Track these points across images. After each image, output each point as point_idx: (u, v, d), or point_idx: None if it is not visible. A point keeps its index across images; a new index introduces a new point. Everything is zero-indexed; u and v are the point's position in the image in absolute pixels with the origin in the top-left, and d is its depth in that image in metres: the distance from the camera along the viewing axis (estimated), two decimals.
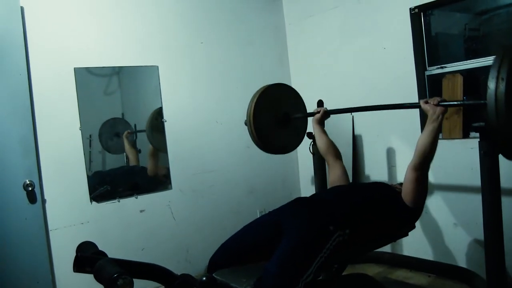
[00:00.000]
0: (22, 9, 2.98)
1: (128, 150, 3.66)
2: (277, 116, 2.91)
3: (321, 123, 2.95)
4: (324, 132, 2.94)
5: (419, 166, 2.21)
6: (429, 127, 2.21)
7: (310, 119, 3.08)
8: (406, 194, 2.28)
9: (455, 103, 2.45)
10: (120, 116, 3.60)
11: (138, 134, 3.66)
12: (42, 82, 3.14)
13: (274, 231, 2.21)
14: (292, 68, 4.60)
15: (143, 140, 3.70)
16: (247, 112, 2.82)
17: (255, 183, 4.29)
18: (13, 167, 2.86)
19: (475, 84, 3.27)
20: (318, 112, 2.93)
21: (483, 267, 2.54)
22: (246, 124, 2.84)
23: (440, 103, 2.22)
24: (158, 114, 3.73)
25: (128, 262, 1.60)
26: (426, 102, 2.27)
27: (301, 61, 4.51)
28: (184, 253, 3.78)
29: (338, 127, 4.03)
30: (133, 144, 3.67)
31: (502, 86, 1.88)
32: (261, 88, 2.84)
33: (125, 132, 3.62)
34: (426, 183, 2.30)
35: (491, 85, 1.93)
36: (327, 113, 2.95)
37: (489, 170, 2.22)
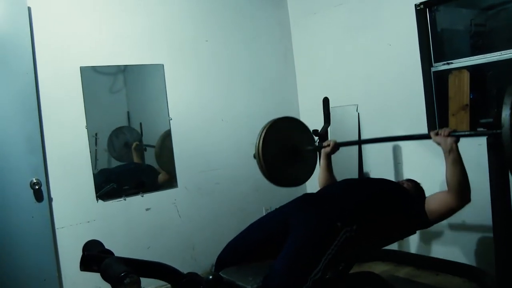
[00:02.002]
0: (29, 9, 2.99)
1: (135, 159, 3.68)
2: (286, 149, 2.90)
3: (329, 157, 2.90)
4: (330, 168, 2.89)
5: (462, 193, 2.17)
6: (449, 160, 2.17)
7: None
8: (433, 212, 2.25)
9: (466, 133, 2.37)
10: (126, 115, 3.60)
11: (143, 129, 3.65)
12: (49, 81, 3.15)
13: (281, 229, 2.20)
14: (297, 65, 4.58)
15: (149, 138, 3.70)
16: (255, 146, 2.83)
17: (260, 180, 4.21)
18: (20, 166, 2.88)
19: (482, 80, 3.25)
20: (328, 145, 2.87)
21: (492, 265, 2.52)
22: (254, 157, 2.83)
23: (451, 134, 2.19)
24: (168, 134, 3.75)
25: (134, 261, 1.60)
26: (437, 134, 2.24)
27: (306, 57, 4.49)
28: (190, 251, 3.79)
29: (343, 124, 4.02)
30: (142, 155, 3.69)
31: None
32: (269, 122, 2.85)
33: (134, 144, 3.63)
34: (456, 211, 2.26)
35: (506, 112, 1.89)
36: (337, 146, 2.88)
37: (497, 166, 2.20)
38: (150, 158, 3.72)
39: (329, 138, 3.47)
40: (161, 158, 3.75)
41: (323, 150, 2.90)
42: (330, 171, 2.88)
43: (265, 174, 2.77)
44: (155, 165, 3.74)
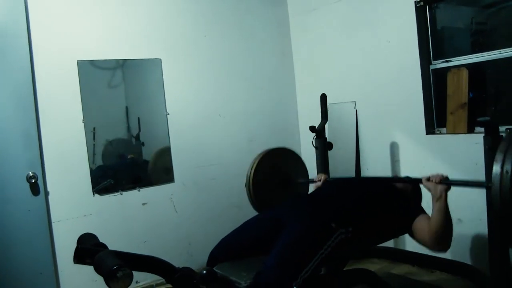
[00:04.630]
0: (25, 2, 2.98)
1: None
2: (277, 180, 2.92)
3: None
4: None
5: (438, 241, 2.15)
6: (436, 207, 2.15)
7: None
8: (414, 230, 2.23)
9: (459, 181, 2.32)
10: (124, 110, 3.59)
11: (141, 124, 3.65)
12: (46, 75, 3.14)
13: (275, 226, 2.21)
14: (296, 62, 4.57)
15: (146, 133, 3.69)
16: (246, 176, 2.84)
17: None
18: (17, 159, 2.88)
19: (481, 78, 3.24)
20: (319, 180, 2.87)
21: (486, 263, 2.53)
22: (245, 186, 2.84)
23: (442, 182, 2.18)
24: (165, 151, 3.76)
25: (128, 255, 1.60)
26: (428, 180, 2.23)
27: (304, 54, 4.48)
28: (186, 246, 3.79)
29: (341, 121, 4.02)
30: (139, 150, 3.72)
31: (507, 177, 1.84)
32: (262, 152, 2.86)
33: (129, 157, 3.66)
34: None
35: (496, 169, 1.88)
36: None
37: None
38: (147, 154, 3.72)
39: (326, 135, 3.47)
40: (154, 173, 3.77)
41: (314, 184, 2.91)
42: None
43: (255, 207, 2.80)
44: (151, 145, 3.76)
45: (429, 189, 2.21)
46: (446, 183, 2.18)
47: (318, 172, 3.34)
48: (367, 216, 2.23)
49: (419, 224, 2.22)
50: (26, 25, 2.95)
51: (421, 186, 2.37)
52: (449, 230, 2.14)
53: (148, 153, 3.74)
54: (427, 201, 2.35)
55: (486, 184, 2.04)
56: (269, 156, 2.87)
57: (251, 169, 2.81)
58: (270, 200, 2.84)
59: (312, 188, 2.95)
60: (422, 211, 2.31)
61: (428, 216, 2.23)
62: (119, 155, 3.65)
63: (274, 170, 2.91)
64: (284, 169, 2.97)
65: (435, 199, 2.16)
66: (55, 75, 3.19)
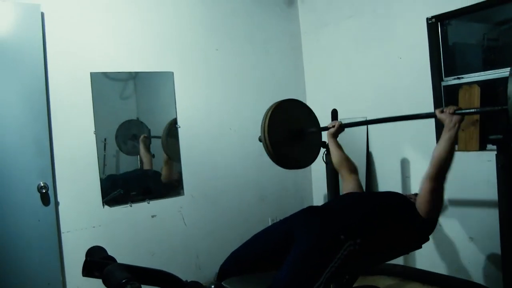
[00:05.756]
0: (42, 14, 3.03)
1: (142, 154, 3.67)
2: (291, 131, 2.90)
3: (335, 137, 2.91)
4: (339, 146, 2.89)
5: (435, 176, 2.15)
6: (445, 135, 2.17)
7: (324, 133, 3.05)
8: (421, 204, 2.23)
9: (472, 110, 2.38)
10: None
11: (152, 139, 3.67)
12: (59, 85, 3.17)
13: (285, 240, 2.19)
14: (307, 76, 4.59)
15: (157, 146, 3.71)
16: (261, 127, 2.82)
17: (267, 190, 4.27)
18: (28, 169, 2.91)
19: (493, 95, 3.22)
20: (333, 126, 2.89)
21: (499, 283, 2.49)
22: (260, 140, 2.82)
23: (456, 112, 2.18)
24: (174, 123, 3.75)
25: (136, 268, 1.59)
26: (442, 112, 2.23)
27: (316, 69, 4.49)
28: (194, 259, 3.78)
29: (352, 136, 4.00)
30: (148, 149, 3.69)
31: None
32: (274, 103, 2.84)
33: (142, 136, 3.64)
34: (442, 194, 2.25)
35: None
36: (342, 127, 2.90)
37: (507, 184, 2.18)
38: (158, 164, 3.73)
39: None
40: (168, 147, 3.76)
41: (328, 132, 2.92)
42: (340, 149, 2.88)
43: (272, 157, 2.78)
44: (161, 157, 3.75)
45: (443, 120, 2.21)
46: (460, 113, 2.18)
47: (328, 189, 3.33)
48: (378, 227, 2.21)
49: (418, 196, 2.25)
50: (42, 37, 2.99)
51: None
52: (450, 161, 2.15)
53: (158, 165, 3.75)
54: None
55: (502, 107, 1.99)
56: (282, 106, 2.84)
57: (265, 119, 2.77)
58: (286, 152, 2.82)
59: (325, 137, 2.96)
60: None
61: None
62: (129, 167, 3.66)
63: (287, 120, 2.88)
64: (297, 119, 2.94)
65: (448, 129, 2.16)
66: (69, 86, 3.23)
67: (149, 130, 3.67)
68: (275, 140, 2.75)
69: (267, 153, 2.79)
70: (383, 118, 2.79)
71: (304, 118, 2.99)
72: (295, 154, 2.90)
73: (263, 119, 2.76)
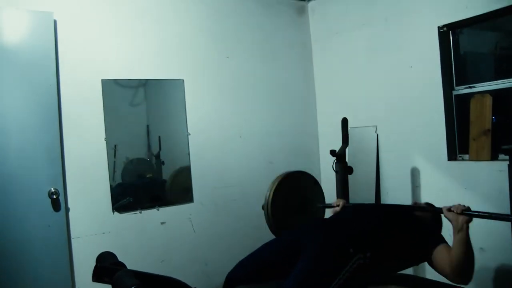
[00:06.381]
0: (55, 22, 3.07)
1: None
2: (295, 203, 2.91)
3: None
4: None
5: (460, 274, 2.11)
6: (457, 238, 2.10)
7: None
8: (434, 260, 2.20)
9: (481, 214, 2.17)
10: (145, 128, 3.63)
11: (162, 143, 3.68)
12: (70, 92, 3.20)
13: (293, 250, 2.19)
14: (317, 84, 4.59)
15: (167, 152, 3.72)
16: (265, 198, 2.85)
17: None
18: (39, 175, 2.93)
19: (505, 104, 3.19)
20: (337, 205, 2.85)
21: None
22: (263, 208, 2.85)
23: (464, 213, 2.12)
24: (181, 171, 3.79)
25: (146, 274, 1.60)
26: (449, 210, 2.18)
27: (326, 77, 4.49)
28: (202, 267, 3.77)
29: (361, 145, 3.99)
30: (159, 170, 3.75)
31: None
32: (280, 175, 2.87)
33: (149, 175, 3.70)
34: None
35: None
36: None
37: None
38: (166, 173, 3.74)
39: (346, 159, 3.45)
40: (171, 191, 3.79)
41: (332, 209, 2.89)
42: None
43: (271, 227, 2.79)
44: (171, 165, 3.78)
45: (450, 220, 2.16)
46: (468, 214, 2.11)
47: (338, 197, 3.31)
48: (385, 238, 2.20)
49: (440, 254, 2.17)
50: (54, 44, 3.02)
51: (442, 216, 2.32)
52: (471, 262, 2.09)
53: (168, 173, 3.76)
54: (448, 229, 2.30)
55: None
56: (288, 179, 2.87)
57: (270, 191, 2.81)
58: (287, 223, 2.82)
59: (329, 213, 2.92)
60: (442, 240, 2.25)
61: (449, 246, 2.18)
62: (139, 174, 3.67)
63: (293, 193, 2.90)
64: (303, 192, 2.97)
65: (456, 230, 2.10)
66: (80, 93, 3.26)
67: (159, 152, 3.68)
68: (278, 211, 2.78)
69: (267, 223, 2.81)
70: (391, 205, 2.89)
71: (310, 190, 3.01)
72: (295, 225, 2.89)
73: (268, 189, 2.79)
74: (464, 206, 2.15)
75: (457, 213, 2.13)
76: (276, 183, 2.83)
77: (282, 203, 2.82)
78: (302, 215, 2.91)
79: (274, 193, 2.78)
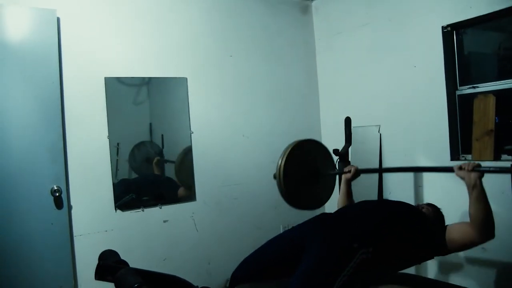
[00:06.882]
0: (58, 20, 3.07)
1: (156, 172, 3.73)
2: (306, 172, 2.89)
3: (350, 182, 2.88)
4: (350, 194, 2.87)
5: (485, 230, 2.11)
6: (472, 196, 2.11)
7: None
8: (453, 238, 2.21)
9: (491, 169, 2.21)
10: (148, 127, 3.64)
11: (165, 142, 3.68)
12: (73, 90, 3.21)
13: (297, 247, 2.19)
14: (321, 83, 4.59)
15: (170, 151, 3.72)
16: (277, 166, 2.83)
17: (279, 198, 4.24)
18: (42, 173, 2.94)
19: (508, 105, 3.19)
20: (349, 171, 2.85)
21: None
22: (275, 177, 2.83)
23: (475, 169, 2.12)
24: (189, 150, 3.78)
25: (148, 273, 1.61)
26: (460, 168, 2.17)
27: (329, 76, 4.49)
28: (205, 265, 3.78)
29: (365, 145, 3.99)
30: (162, 171, 3.74)
31: None
32: (293, 143, 2.85)
33: (155, 159, 3.67)
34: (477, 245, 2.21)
35: None
36: (358, 173, 2.86)
37: None
38: (169, 170, 3.75)
39: (349, 159, 3.45)
40: (181, 173, 3.77)
41: (343, 176, 2.88)
42: (350, 196, 2.86)
43: (284, 195, 2.76)
44: (174, 178, 3.76)
45: (462, 178, 2.16)
46: (478, 170, 2.12)
47: (339, 201, 3.31)
48: (389, 235, 2.20)
49: (455, 228, 2.22)
50: (57, 42, 3.03)
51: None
52: (491, 216, 2.11)
53: (170, 170, 3.76)
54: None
55: None
56: (300, 147, 2.83)
57: (282, 158, 2.76)
58: (299, 191, 2.79)
59: (339, 184, 2.95)
60: (445, 227, 2.30)
61: (458, 222, 2.23)
62: (142, 171, 3.68)
63: (304, 161, 2.86)
64: (314, 160, 2.92)
65: (470, 187, 2.11)
66: (83, 91, 3.27)
67: (161, 150, 3.68)
68: (290, 179, 2.75)
69: (279, 190, 2.79)
70: (398, 168, 2.85)
71: (321, 159, 2.98)
72: (308, 194, 2.87)
73: (280, 157, 2.76)
74: (474, 163, 2.16)
75: (468, 170, 2.13)
76: (288, 150, 2.78)
77: (294, 170, 2.77)
78: (314, 182, 2.88)
79: (286, 159, 2.73)
